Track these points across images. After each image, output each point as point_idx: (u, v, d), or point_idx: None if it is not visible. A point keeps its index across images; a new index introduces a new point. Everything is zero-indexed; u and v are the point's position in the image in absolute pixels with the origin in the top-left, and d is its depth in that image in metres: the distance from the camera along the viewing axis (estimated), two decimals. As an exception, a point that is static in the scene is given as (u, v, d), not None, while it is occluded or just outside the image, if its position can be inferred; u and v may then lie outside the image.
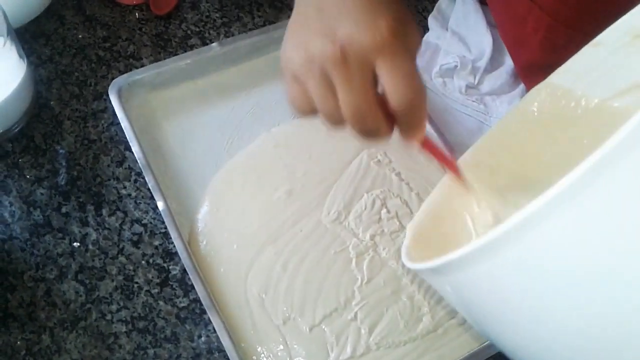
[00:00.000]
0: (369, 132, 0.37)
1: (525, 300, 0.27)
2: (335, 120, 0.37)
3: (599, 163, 0.22)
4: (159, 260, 0.55)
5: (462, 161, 0.43)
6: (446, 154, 0.42)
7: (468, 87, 0.66)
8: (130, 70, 0.63)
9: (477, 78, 0.67)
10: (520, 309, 0.28)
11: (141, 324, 0.52)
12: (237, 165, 0.59)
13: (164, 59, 0.63)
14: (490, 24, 0.69)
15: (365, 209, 0.58)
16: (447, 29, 0.70)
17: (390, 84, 0.34)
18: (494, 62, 0.68)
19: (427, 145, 0.40)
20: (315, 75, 0.36)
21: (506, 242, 0.26)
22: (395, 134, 0.38)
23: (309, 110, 0.38)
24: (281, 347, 0.50)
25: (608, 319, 0.25)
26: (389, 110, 0.36)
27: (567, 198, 0.23)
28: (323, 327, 0.51)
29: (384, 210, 0.57)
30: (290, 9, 0.72)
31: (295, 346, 0.50)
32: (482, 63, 0.67)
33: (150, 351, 0.51)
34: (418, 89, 0.35)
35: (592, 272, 0.25)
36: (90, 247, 0.55)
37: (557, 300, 0.26)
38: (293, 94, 0.38)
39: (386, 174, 0.60)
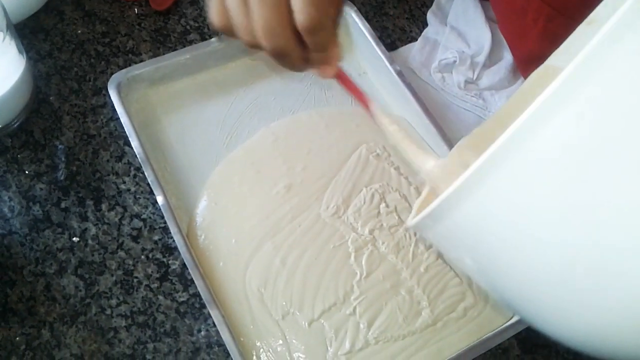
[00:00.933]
0: (280, 51, 0.37)
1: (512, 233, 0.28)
2: (249, 36, 0.38)
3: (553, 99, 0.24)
4: (159, 255, 0.55)
5: (459, 145, 0.43)
6: (359, 89, 0.44)
7: (467, 82, 0.66)
8: (130, 65, 0.63)
9: (476, 73, 0.67)
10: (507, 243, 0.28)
11: (141, 319, 0.52)
12: (235, 159, 0.59)
13: (163, 54, 0.63)
14: (489, 19, 0.69)
15: (364, 203, 0.58)
16: (446, 25, 0.70)
17: (297, 6, 0.36)
18: (492, 58, 0.68)
19: (341, 77, 0.42)
20: None
21: (484, 177, 0.27)
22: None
23: (227, 25, 0.39)
24: (280, 341, 0.50)
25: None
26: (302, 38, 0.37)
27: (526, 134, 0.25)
28: (322, 321, 0.52)
29: (382, 205, 0.58)
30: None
31: (294, 341, 0.51)
32: (481, 58, 0.67)
33: (150, 345, 0.51)
34: (323, 9, 0.36)
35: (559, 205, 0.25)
36: (90, 241, 0.55)
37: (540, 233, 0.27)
38: (213, 9, 0.39)
39: (385, 168, 0.60)
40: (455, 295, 0.54)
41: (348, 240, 0.55)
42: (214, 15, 0.39)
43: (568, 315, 0.28)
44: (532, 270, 0.28)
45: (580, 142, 0.25)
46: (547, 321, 0.30)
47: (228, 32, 0.39)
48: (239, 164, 0.59)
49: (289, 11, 0.36)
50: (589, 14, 0.40)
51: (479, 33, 0.69)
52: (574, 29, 0.41)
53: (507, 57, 0.67)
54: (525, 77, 0.64)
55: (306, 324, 0.51)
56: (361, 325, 0.52)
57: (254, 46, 0.38)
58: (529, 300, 0.30)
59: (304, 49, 0.38)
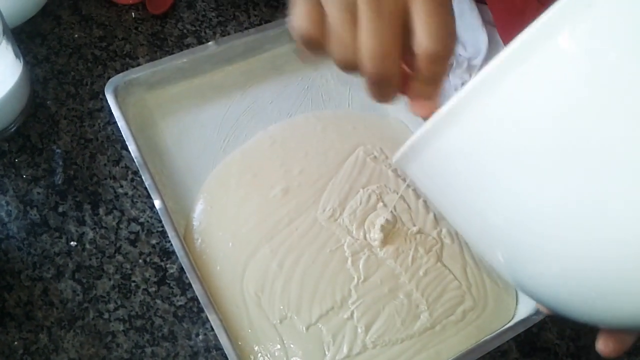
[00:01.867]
0: (383, 77, 0.32)
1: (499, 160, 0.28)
2: (346, 54, 0.33)
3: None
4: (156, 259, 0.55)
5: None
6: None
7: (464, 85, 0.66)
8: (127, 69, 0.63)
9: (473, 76, 0.67)
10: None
11: (139, 323, 0.52)
12: (232, 163, 0.59)
13: (160, 58, 0.63)
14: (485, 22, 0.69)
15: (360, 204, 0.58)
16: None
17: (423, 27, 0.31)
18: (489, 61, 0.68)
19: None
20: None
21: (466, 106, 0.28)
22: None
23: (316, 36, 0.33)
24: (278, 346, 0.50)
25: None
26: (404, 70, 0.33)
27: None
28: (319, 326, 0.52)
29: (380, 204, 0.58)
30: (286, 8, 0.73)
31: (292, 345, 0.50)
32: (478, 61, 0.67)
33: (148, 350, 0.51)
34: (451, 40, 0.32)
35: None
36: (87, 246, 0.55)
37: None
38: (303, 15, 0.33)
39: (382, 170, 0.60)
40: (455, 298, 0.54)
41: (344, 245, 0.55)
42: (302, 22, 0.33)
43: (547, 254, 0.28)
44: (512, 199, 0.28)
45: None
46: (525, 262, 0.30)
47: (314, 44, 0.33)
48: (235, 168, 0.59)
49: (404, 32, 0.32)
50: None
51: (476, 36, 0.69)
52: None
53: (504, 60, 0.67)
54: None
55: (304, 328, 0.51)
56: (359, 330, 0.52)
57: (347, 67, 0.33)
58: (508, 236, 0.29)
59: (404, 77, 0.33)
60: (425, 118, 0.32)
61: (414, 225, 0.57)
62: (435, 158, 0.30)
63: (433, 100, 0.34)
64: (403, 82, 0.34)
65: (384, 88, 0.33)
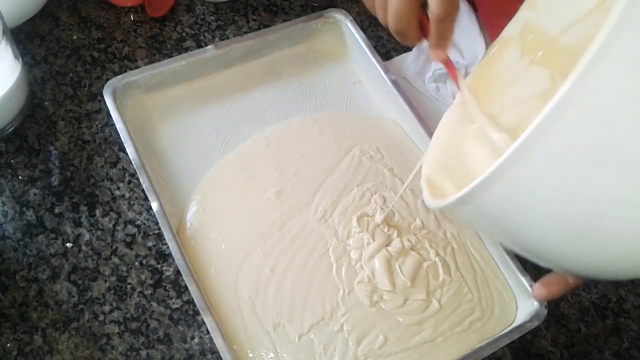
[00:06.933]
0: (401, 32, 0.46)
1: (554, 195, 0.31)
2: (381, 15, 0.47)
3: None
4: (152, 262, 0.55)
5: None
6: (458, 74, 0.48)
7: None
8: (125, 71, 0.63)
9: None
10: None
11: (134, 325, 0.52)
12: (227, 165, 0.59)
13: (159, 60, 0.63)
14: (483, 29, 0.70)
15: (353, 201, 0.58)
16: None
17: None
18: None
19: (447, 62, 0.47)
20: None
21: (526, 149, 0.29)
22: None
23: (370, 4, 0.48)
24: (271, 354, 0.50)
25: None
26: (424, 25, 0.45)
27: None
28: (311, 336, 0.51)
29: (374, 197, 0.58)
30: (285, 13, 0.73)
31: (284, 355, 0.50)
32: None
33: (143, 352, 0.51)
34: (457, 3, 0.43)
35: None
36: (84, 247, 0.55)
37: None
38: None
39: (378, 169, 0.60)
40: (466, 311, 0.53)
41: (329, 249, 0.55)
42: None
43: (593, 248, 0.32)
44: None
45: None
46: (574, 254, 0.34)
47: (370, 9, 0.49)
48: (230, 169, 0.59)
49: (421, 1, 0.44)
50: None
51: (473, 43, 0.69)
52: None
53: (501, 68, 0.68)
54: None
55: (296, 337, 0.51)
56: (350, 342, 0.51)
57: (383, 22, 0.47)
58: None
59: (423, 31, 0.46)
60: (437, 61, 0.47)
61: (416, 220, 0.57)
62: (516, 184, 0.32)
63: (443, 50, 0.46)
64: (424, 32, 0.46)
65: (402, 38, 0.46)
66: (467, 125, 0.45)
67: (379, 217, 0.56)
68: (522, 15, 0.45)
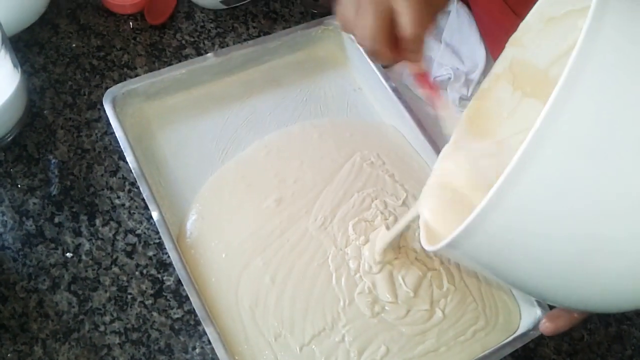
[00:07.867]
0: (374, 52, 0.48)
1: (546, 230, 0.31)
2: (352, 32, 0.49)
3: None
4: (153, 271, 0.54)
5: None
6: (432, 86, 0.53)
7: (461, 99, 0.67)
8: (125, 79, 0.63)
9: (471, 90, 0.67)
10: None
11: (135, 336, 0.52)
12: (227, 173, 0.59)
13: (159, 68, 0.63)
14: (483, 37, 0.70)
15: (352, 207, 0.57)
16: (440, 41, 0.70)
17: (403, 18, 0.45)
18: (487, 74, 0.68)
19: (423, 76, 0.52)
20: (354, 3, 0.48)
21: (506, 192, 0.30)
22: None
23: (343, 23, 0.50)
24: None
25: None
26: (397, 44, 0.47)
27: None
28: (313, 347, 0.51)
29: (375, 202, 0.57)
30: (285, 20, 0.73)
31: (287, 365, 0.50)
32: (476, 75, 0.67)
33: (144, 363, 0.51)
34: (427, 26, 0.46)
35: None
36: (84, 257, 0.54)
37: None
38: (339, 8, 0.50)
39: (379, 175, 0.60)
40: (470, 320, 0.53)
41: (329, 258, 0.55)
42: (338, 14, 0.50)
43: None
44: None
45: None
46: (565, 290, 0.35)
47: (344, 28, 0.50)
48: (230, 177, 0.59)
49: (392, 22, 0.46)
50: None
51: (474, 50, 0.69)
52: None
53: (501, 74, 0.68)
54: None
55: (298, 348, 0.50)
56: (351, 354, 0.50)
57: (360, 43, 0.50)
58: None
59: (396, 49, 0.48)
60: (415, 75, 0.53)
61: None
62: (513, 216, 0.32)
63: (419, 63, 0.50)
64: (397, 51, 0.48)
65: (376, 58, 0.50)
66: (461, 161, 0.46)
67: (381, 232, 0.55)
68: (509, 52, 0.46)
